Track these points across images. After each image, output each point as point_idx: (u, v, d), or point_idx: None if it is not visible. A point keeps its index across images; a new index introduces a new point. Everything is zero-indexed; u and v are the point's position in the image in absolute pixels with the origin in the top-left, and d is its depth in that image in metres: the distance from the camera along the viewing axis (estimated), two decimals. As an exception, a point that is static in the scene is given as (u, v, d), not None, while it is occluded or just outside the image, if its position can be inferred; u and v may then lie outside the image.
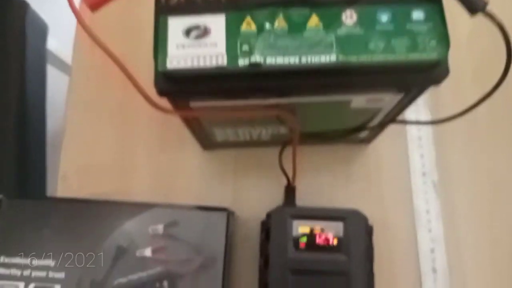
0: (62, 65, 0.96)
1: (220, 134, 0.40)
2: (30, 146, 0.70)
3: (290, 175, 0.42)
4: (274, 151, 0.44)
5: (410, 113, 0.47)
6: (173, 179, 0.46)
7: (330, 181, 0.45)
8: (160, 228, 0.37)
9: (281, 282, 0.36)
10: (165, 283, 0.36)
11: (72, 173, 0.47)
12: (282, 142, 0.42)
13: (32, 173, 0.67)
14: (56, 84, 0.84)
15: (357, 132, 0.40)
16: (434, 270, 0.42)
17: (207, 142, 0.43)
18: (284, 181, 0.43)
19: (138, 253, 0.37)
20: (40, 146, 0.73)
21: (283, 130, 0.39)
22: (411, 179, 0.45)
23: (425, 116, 0.47)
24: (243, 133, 0.40)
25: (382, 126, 0.39)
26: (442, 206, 0.44)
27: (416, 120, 0.47)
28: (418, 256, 0.43)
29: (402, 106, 0.34)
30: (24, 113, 0.70)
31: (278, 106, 0.32)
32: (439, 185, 0.45)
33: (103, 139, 0.47)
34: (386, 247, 0.42)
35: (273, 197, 0.45)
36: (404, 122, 0.44)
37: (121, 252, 0.37)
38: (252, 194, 0.45)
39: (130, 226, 0.37)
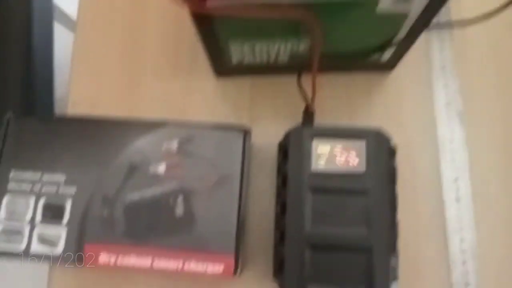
0: (69, 22, 0.94)
1: (236, 52, 0.38)
2: (37, 100, 0.69)
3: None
4: (291, 80, 0.42)
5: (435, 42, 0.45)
6: (185, 107, 0.44)
7: (349, 111, 0.43)
8: (174, 144, 0.36)
9: (299, 201, 0.34)
10: (180, 199, 0.35)
11: (81, 101, 0.45)
12: (300, 68, 0.41)
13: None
14: (63, 41, 0.83)
15: (382, 49, 0.38)
16: (458, 200, 0.41)
17: (221, 66, 0.41)
18: (301, 111, 0.42)
19: (151, 170, 0.35)
20: (47, 97, 0.72)
21: (303, 46, 0.37)
22: (434, 108, 0.43)
23: (449, 43, 0.45)
24: (260, 51, 0.38)
25: (408, 40, 0.37)
26: (467, 135, 0.43)
27: (437, 22, 0.44)
28: (441, 185, 0.41)
29: (430, 12, 0.32)
30: (30, 67, 0.69)
31: (299, 7, 0.30)
32: (464, 114, 0.43)
33: (112, 67, 0.46)
34: (408, 175, 0.41)
35: (290, 126, 0.43)
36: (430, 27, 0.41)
37: (133, 169, 0.35)
38: (268, 123, 0.43)
39: (143, 143, 0.36)
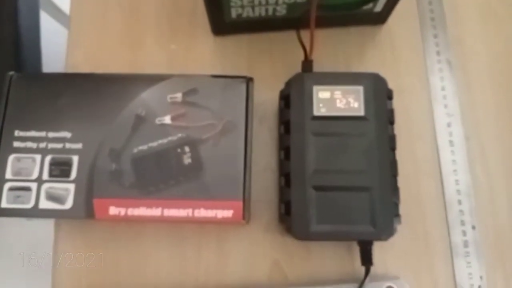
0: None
1: (235, 4, 0.38)
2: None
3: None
4: (287, 36, 0.43)
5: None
6: (185, 66, 0.45)
7: (344, 64, 0.44)
8: (179, 96, 0.36)
9: (303, 144, 0.36)
10: (187, 148, 0.35)
11: (80, 64, 0.45)
12: (297, 23, 0.41)
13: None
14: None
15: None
16: (452, 144, 0.43)
17: (220, 21, 0.42)
18: (297, 68, 0.42)
19: (157, 121, 0.36)
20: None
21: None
22: (425, 58, 0.45)
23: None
24: (259, 2, 0.39)
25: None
26: (458, 82, 0.44)
27: None
28: (435, 130, 0.43)
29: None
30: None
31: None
32: (454, 63, 0.45)
33: (110, 28, 0.46)
34: (402, 120, 0.42)
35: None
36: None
37: (139, 121, 0.36)
38: (266, 79, 0.43)
39: (148, 96, 0.37)
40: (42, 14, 0.79)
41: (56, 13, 0.96)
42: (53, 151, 0.36)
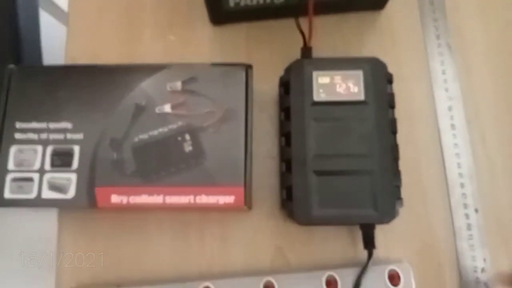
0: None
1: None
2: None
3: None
4: (285, 24, 0.43)
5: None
6: (184, 58, 0.44)
7: (344, 49, 0.44)
8: (178, 84, 0.36)
9: (304, 129, 0.36)
10: (187, 136, 0.35)
11: (80, 57, 0.45)
12: (296, 10, 0.41)
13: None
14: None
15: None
16: (453, 127, 0.42)
17: (218, 10, 0.42)
18: (297, 56, 0.42)
19: (157, 110, 0.36)
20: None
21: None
22: (425, 42, 0.45)
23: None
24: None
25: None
26: (458, 66, 0.44)
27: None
28: (436, 114, 0.43)
29: None
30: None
31: None
32: (454, 47, 0.45)
33: (109, 21, 0.46)
34: (403, 106, 0.42)
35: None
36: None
37: (139, 110, 0.36)
38: (266, 67, 0.43)
39: (147, 85, 0.37)
40: (40, 11, 0.79)
41: (53, 9, 0.96)
42: (54, 141, 0.36)
